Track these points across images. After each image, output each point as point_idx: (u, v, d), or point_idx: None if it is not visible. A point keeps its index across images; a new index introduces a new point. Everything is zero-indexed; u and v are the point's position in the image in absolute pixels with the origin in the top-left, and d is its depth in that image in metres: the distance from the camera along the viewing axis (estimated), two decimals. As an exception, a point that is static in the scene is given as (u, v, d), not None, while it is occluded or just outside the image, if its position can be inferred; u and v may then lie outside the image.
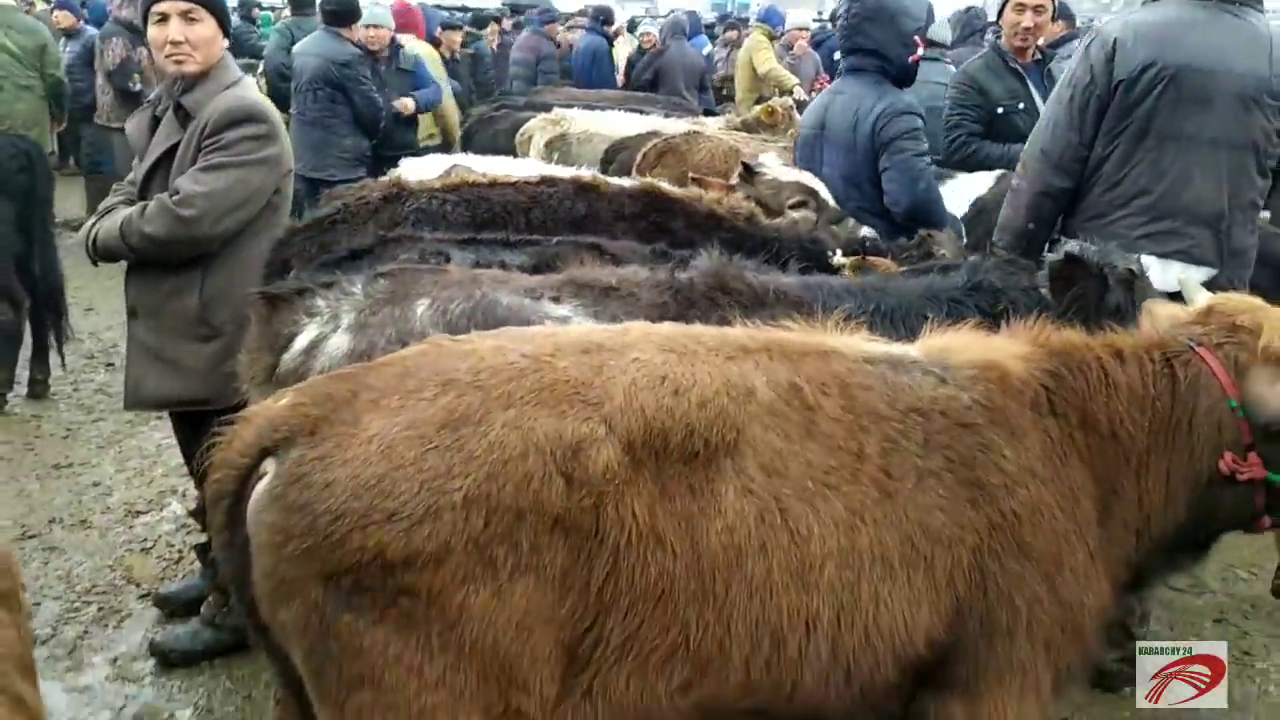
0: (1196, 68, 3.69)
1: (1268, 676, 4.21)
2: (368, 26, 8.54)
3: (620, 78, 13.57)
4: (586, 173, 4.53)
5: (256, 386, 3.09)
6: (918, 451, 2.27)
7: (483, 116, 9.65)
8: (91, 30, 10.98)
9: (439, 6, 15.24)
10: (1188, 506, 2.49)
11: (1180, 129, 3.70)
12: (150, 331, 4.05)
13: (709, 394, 2.14)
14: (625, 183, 4.35)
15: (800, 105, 8.07)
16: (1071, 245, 3.18)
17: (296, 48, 8.65)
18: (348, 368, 2.39)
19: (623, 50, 14.71)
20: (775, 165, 4.92)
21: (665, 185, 4.27)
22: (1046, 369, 2.46)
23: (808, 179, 4.78)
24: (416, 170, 5.11)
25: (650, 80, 12.23)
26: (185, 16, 3.87)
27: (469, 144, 9.04)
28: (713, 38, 15.74)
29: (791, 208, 4.60)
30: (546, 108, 8.68)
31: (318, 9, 9.19)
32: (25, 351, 6.92)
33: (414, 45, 9.63)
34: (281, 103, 5.81)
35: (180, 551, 4.95)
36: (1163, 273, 3.56)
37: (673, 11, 15.33)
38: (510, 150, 8.03)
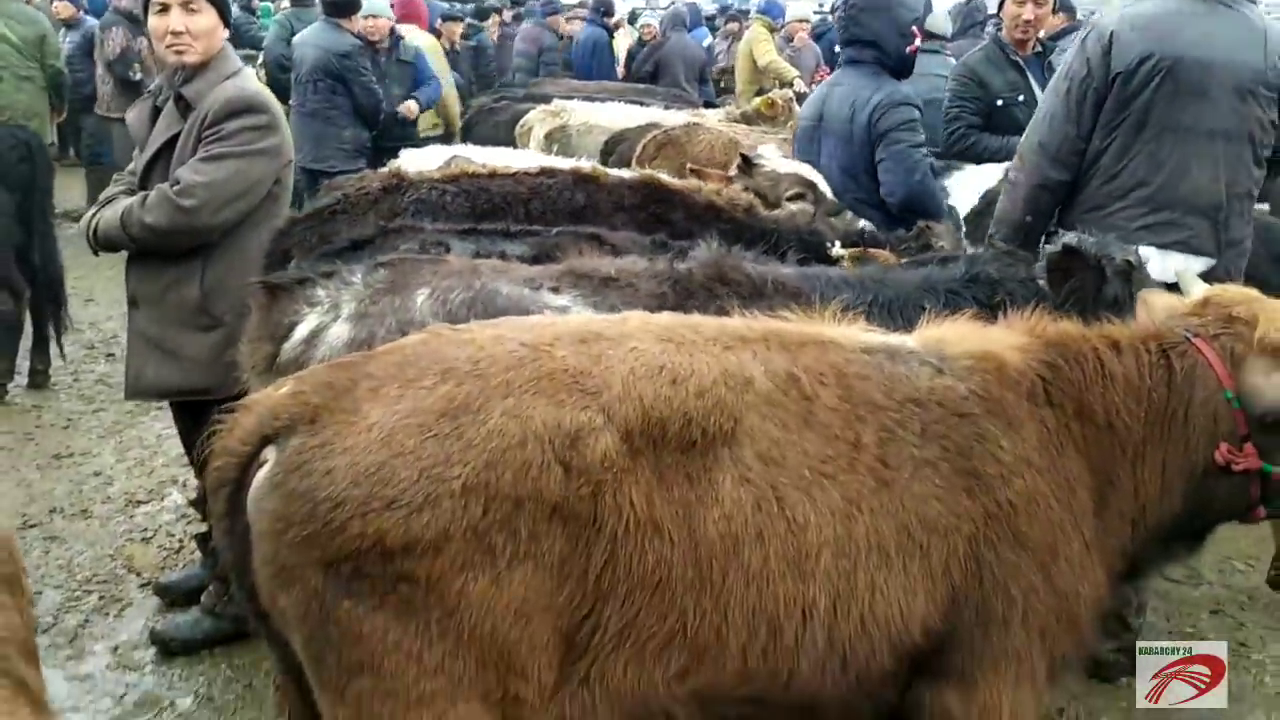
0: (1193, 60, 3.71)
1: (1264, 668, 4.23)
2: (366, 17, 8.54)
3: (620, 69, 13.56)
4: (586, 164, 4.55)
5: (257, 375, 3.10)
6: (914, 441, 2.28)
7: (483, 108, 9.67)
8: (91, 20, 10.98)
9: (441, -3, 15.21)
10: (1183, 497, 2.51)
11: (1178, 121, 3.71)
12: (151, 321, 4.06)
13: (707, 383, 2.15)
14: (624, 174, 4.37)
15: (800, 97, 8.08)
16: (1069, 237, 3.20)
17: (296, 39, 8.65)
18: (348, 356, 2.40)
19: (623, 42, 14.69)
20: (774, 157, 4.93)
21: (664, 177, 4.28)
22: (1043, 360, 2.47)
23: (806, 171, 4.79)
24: (416, 161, 5.12)
25: (650, 72, 12.24)
26: (185, 7, 3.87)
27: (469, 135, 9.05)
28: (713, 30, 15.72)
29: (789, 200, 4.61)
30: (546, 99, 8.69)
31: (317, 0, 9.19)
32: (25, 342, 6.93)
33: (416, 36, 9.63)
34: (281, 94, 5.81)
35: (181, 541, 4.97)
36: (1162, 263, 3.57)
37: (673, 3, 15.29)
38: (510, 142, 8.04)
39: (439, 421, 1.99)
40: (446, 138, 9.39)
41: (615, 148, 7.24)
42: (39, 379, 6.93)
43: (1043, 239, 3.80)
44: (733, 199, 4.08)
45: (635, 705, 2.15)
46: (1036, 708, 2.46)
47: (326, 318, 3.01)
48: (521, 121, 8.25)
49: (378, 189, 3.99)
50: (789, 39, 12.48)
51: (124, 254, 4.15)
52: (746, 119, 8.35)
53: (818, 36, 13.23)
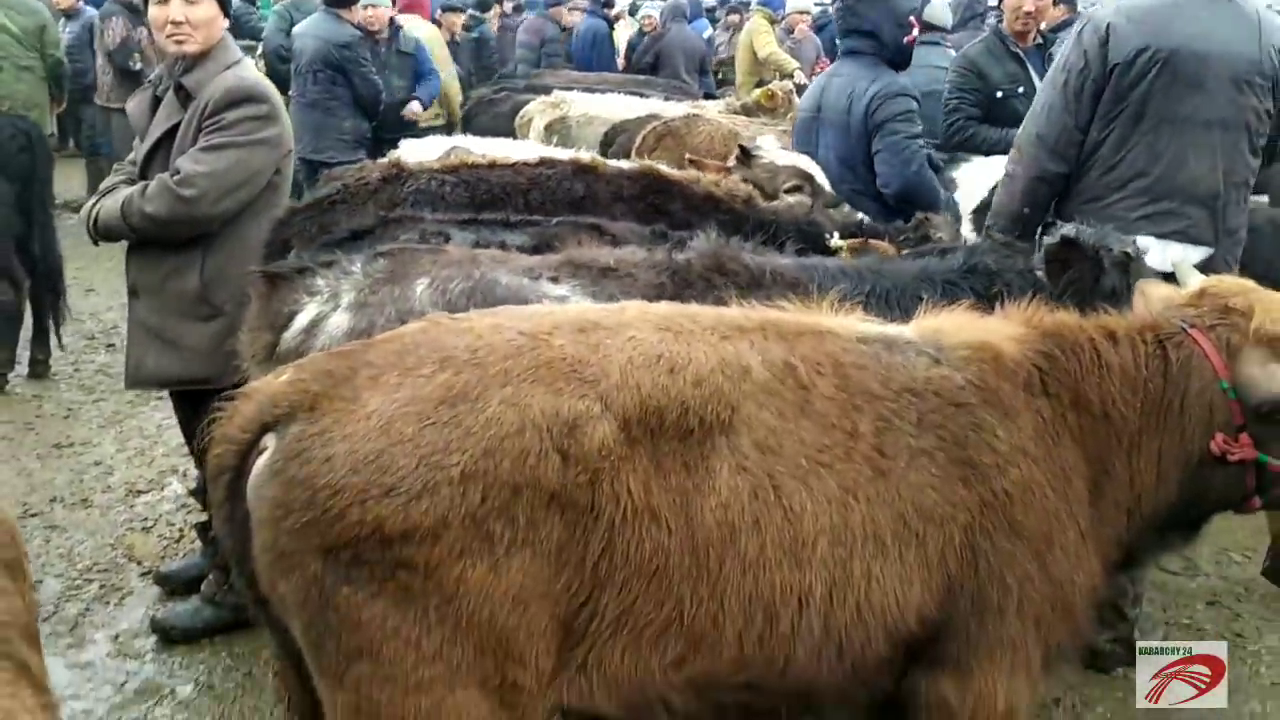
0: (1189, 51, 3.72)
1: (1260, 658, 4.25)
2: (366, 7, 8.53)
3: (621, 61, 13.54)
4: (585, 155, 4.55)
5: (257, 365, 3.11)
6: (911, 430, 2.30)
7: (483, 99, 9.66)
8: (91, 10, 10.96)
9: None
10: (1179, 487, 2.52)
11: (1175, 111, 3.73)
12: (151, 311, 4.07)
13: (704, 372, 2.16)
14: (623, 165, 4.38)
15: (800, 89, 8.06)
16: (1067, 228, 3.21)
17: (296, 29, 8.65)
18: (347, 345, 2.41)
19: (623, 33, 14.67)
20: (772, 149, 4.94)
21: (663, 167, 4.29)
22: (1040, 350, 2.49)
23: (804, 163, 4.80)
24: (415, 152, 5.12)
25: (651, 63, 12.22)
26: (186, -3, 3.88)
27: (469, 126, 9.06)
28: (714, 21, 15.69)
29: (787, 192, 4.62)
30: (546, 90, 8.68)
31: (317, -9, 9.18)
32: (25, 332, 6.94)
33: (418, 27, 9.62)
34: (280, 84, 5.82)
35: (181, 530, 4.98)
36: (1162, 253, 3.59)
37: (674, -6, 15.25)
38: (510, 133, 8.04)
39: (438, 409, 2.00)
40: (448, 129, 9.39)
41: (615, 139, 7.25)
42: (39, 369, 6.94)
43: (1040, 231, 3.81)
44: (731, 190, 4.09)
45: (632, 692, 2.16)
46: (1031, 696, 2.47)
47: (326, 307, 3.02)
48: (521, 113, 8.25)
49: (377, 179, 4.00)
50: (789, 31, 12.47)
51: (124, 244, 4.16)
52: (746, 110, 8.35)
53: (818, 29, 13.19)
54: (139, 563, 4.71)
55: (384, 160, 4.60)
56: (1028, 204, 3.96)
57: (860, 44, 4.88)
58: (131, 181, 4.05)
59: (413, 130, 8.44)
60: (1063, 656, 2.56)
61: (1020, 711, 2.45)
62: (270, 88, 4.12)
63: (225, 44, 4.07)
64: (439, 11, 11.60)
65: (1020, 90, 5.72)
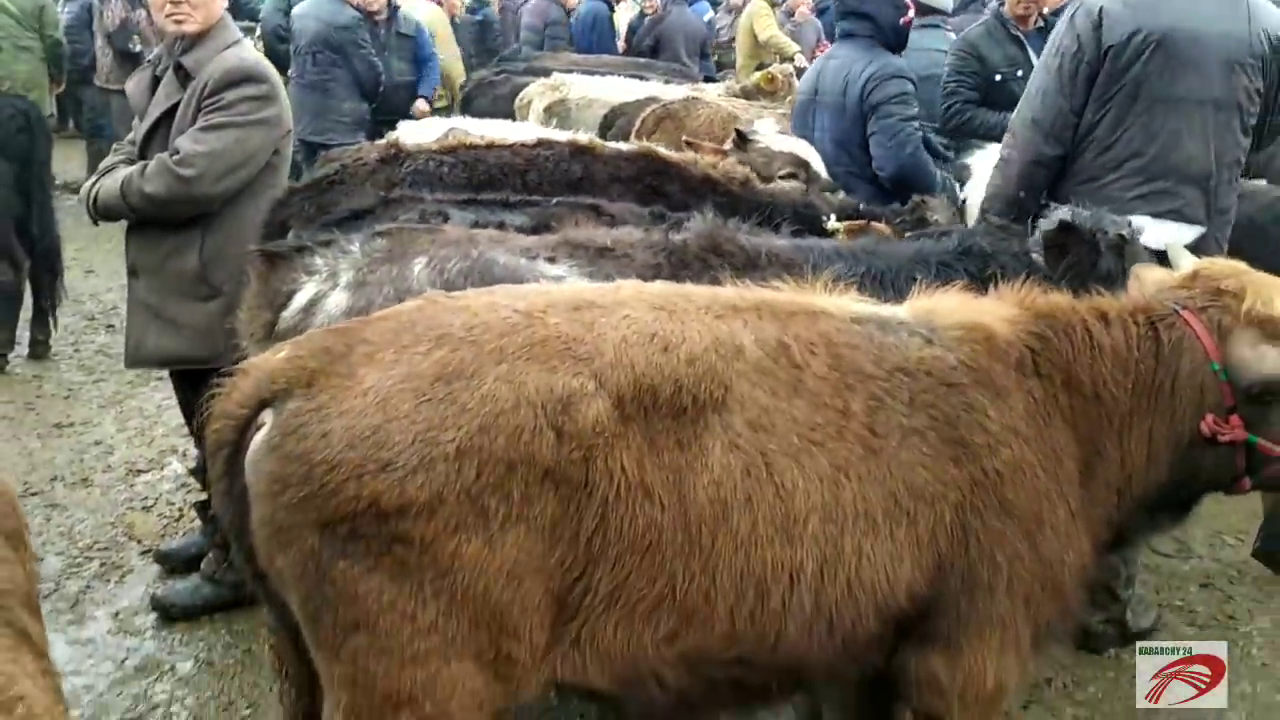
0: (1181, 31, 3.76)
1: (1251, 639, 4.28)
2: (364, -12, 8.52)
3: (621, 44, 13.49)
4: (583, 136, 4.56)
5: (256, 343, 3.13)
6: (903, 410, 2.32)
7: (482, 81, 9.64)
8: (90, -9, 10.92)
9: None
10: (1169, 467, 2.54)
11: (1170, 91, 3.76)
12: (150, 290, 4.09)
13: (698, 351, 2.18)
14: (621, 146, 4.39)
15: (800, 72, 8.04)
16: (1063, 211, 3.22)
17: (296, 10, 8.62)
18: (344, 322, 2.43)
19: (624, 16, 14.61)
20: (769, 134, 4.94)
21: (661, 149, 4.30)
22: (1032, 331, 2.50)
23: (801, 149, 4.80)
24: (414, 133, 5.13)
25: (651, 46, 12.17)
26: (184, -24, 3.88)
27: (468, 108, 9.04)
28: (715, 4, 15.62)
29: (782, 179, 4.62)
30: (546, 73, 8.67)
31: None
32: (26, 313, 6.96)
33: (421, 8, 9.60)
34: (279, 64, 5.82)
35: (180, 509, 5.01)
36: (1157, 233, 3.61)
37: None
38: (510, 115, 8.03)
39: (434, 386, 2.02)
40: (449, 111, 9.39)
41: (614, 121, 7.24)
42: (39, 349, 6.97)
43: (1035, 214, 3.82)
44: (729, 172, 4.10)
45: (625, 666, 2.19)
46: (1021, 674, 2.50)
47: (325, 286, 3.04)
48: (521, 95, 8.24)
49: (375, 160, 4.01)
50: (790, 14, 12.44)
51: (124, 225, 4.18)
52: (746, 94, 8.33)
53: (819, 12, 13.15)
54: (139, 541, 4.75)
55: (382, 141, 4.60)
56: (1023, 187, 3.97)
57: (857, 26, 4.89)
58: (131, 161, 4.07)
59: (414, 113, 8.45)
60: (1052, 635, 2.59)
61: (1009, 689, 2.49)
62: (269, 68, 4.14)
63: (224, 24, 4.08)
64: (442, -7, 11.57)
65: (1019, 74, 5.71)
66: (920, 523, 2.28)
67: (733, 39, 12.46)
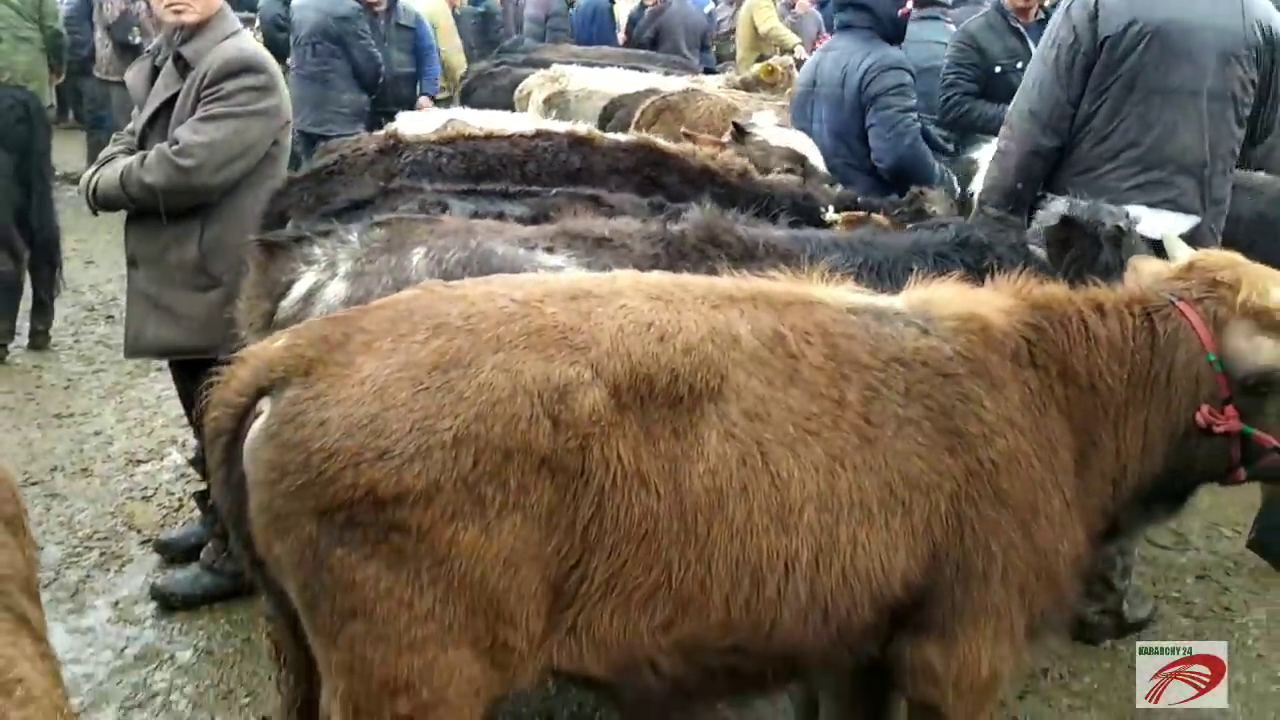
0: (1176, 23, 3.79)
1: (1247, 630, 4.30)
2: (364, -21, 8.51)
3: (621, 35, 13.48)
4: (581, 127, 4.55)
5: (255, 333, 3.13)
6: (898, 400, 2.32)
7: (482, 73, 9.64)
8: (89, -18, 10.91)
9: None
10: (1164, 458, 2.55)
11: (1166, 82, 3.79)
12: (150, 280, 4.10)
13: (694, 340, 2.19)
14: (620, 137, 4.39)
15: (800, 64, 8.04)
16: (1060, 203, 3.23)
17: (295, 1, 8.62)
18: (342, 311, 2.44)
19: (624, 8, 14.59)
20: (768, 127, 4.94)
21: (660, 141, 4.30)
22: (1028, 322, 2.51)
23: (799, 142, 4.80)
24: (413, 124, 5.13)
25: (651, 38, 12.16)
26: (183, -33, 3.88)
27: (467, 100, 9.03)
28: (716, -4, 15.59)
29: (779, 174, 4.62)
30: (546, 64, 8.66)
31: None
32: (26, 303, 6.97)
33: (427, 1, 9.59)
34: (278, 54, 5.84)
35: (180, 499, 5.03)
36: (1152, 222, 3.62)
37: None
38: (509, 107, 8.03)
39: (430, 375, 2.03)
40: (451, 103, 9.39)
41: (614, 113, 7.24)
42: (39, 340, 6.98)
43: (1033, 205, 3.83)
44: (727, 163, 4.10)
45: (621, 654, 2.20)
46: (1015, 663, 2.52)
47: (323, 276, 3.05)
48: (520, 86, 8.24)
49: (374, 150, 4.02)
50: (790, 5, 12.41)
51: (124, 216, 4.18)
52: (746, 85, 8.32)
53: (820, 4, 13.14)
54: (139, 531, 4.77)
55: (381, 132, 4.61)
56: (1021, 179, 3.99)
57: (855, 18, 4.89)
58: (130, 151, 4.08)
59: (412, 105, 8.45)
60: (1047, 625, 2.60)
61: (1003, 677, 2.50)
62: (268, 58, 4.14)
63: (223, 14, 4.09)
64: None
65: (1019, 66, 5.70)
66: (915, 512, 2.29)
67: (733, 31, 12.44)
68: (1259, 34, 3.84)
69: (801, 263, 2.76)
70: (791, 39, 10.95)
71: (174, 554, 4.49)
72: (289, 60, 8.22)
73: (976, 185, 5.03)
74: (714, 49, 13.00)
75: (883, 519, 2.27)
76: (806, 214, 3.79)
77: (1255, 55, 3.84)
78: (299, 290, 3.06)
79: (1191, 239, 3.26)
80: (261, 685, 3.70)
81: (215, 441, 2.18)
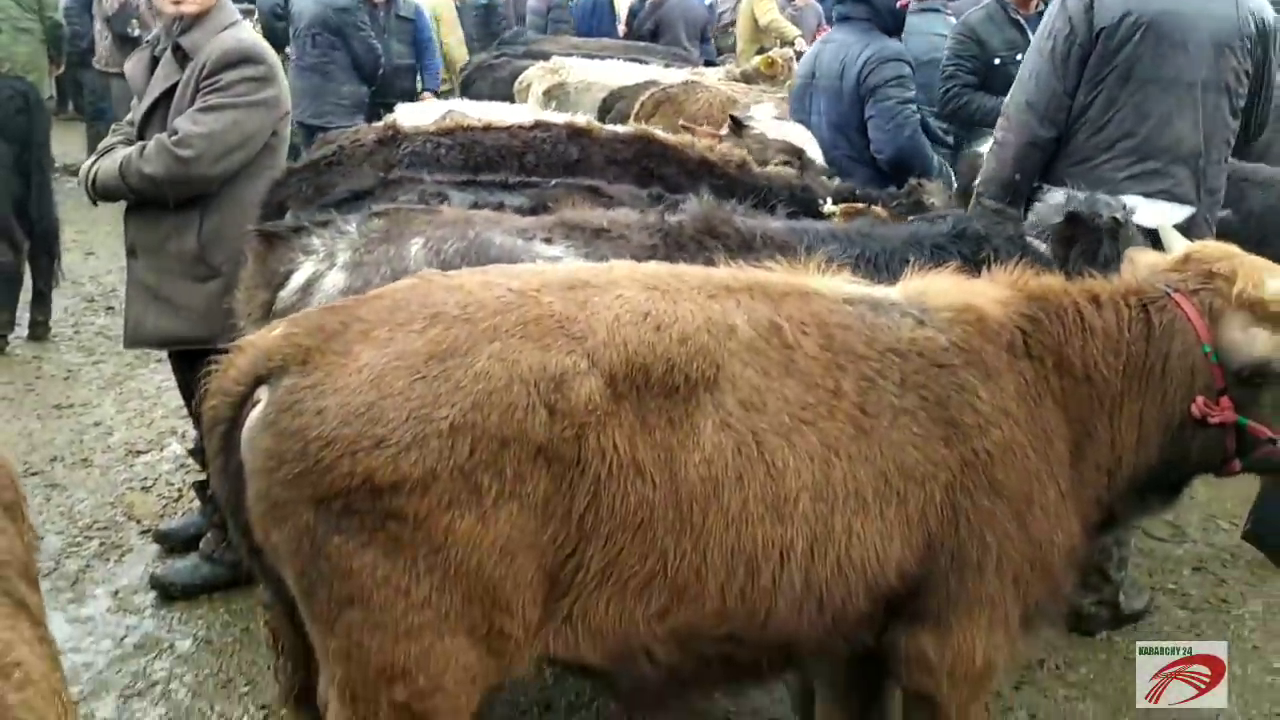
0: (1171, 13, 3.81)
1: (1243, 622, 4.31)
2: (363, -30, 8.50)
3: (621, 27, 13.45)
4: (580, 118, 4.56)
5: (253, 323, 3.14)
6: (894, 390, 2.33)
7: (481, 64, 9.63)
8: (88, -26, 10.91)
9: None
10: (1160, 449, 2.56)
11: (1161, 72, 3.81)
12: (149, 271, 4.10)
13: (690, 330, 2.20)
14: (618, 129, 4.39)
15: (801, 57, 8.03)
16: (1057, 194, 3.24)
17: (295, -8, 8.61)
18: (340, 301, 2.45)
19: (624, 0, 14.56)
20: (765, 120, 4.93)
21: (658, 132, 4.30)
22: (1024, 313, 2.52)
23: (797, 136, 4.80)
24: (412, 115, 5.13)
25: (651, 30, 12.13)
26: (182, -42, 3.89)
27: (467, 91, 9.04)
28: (717, -12, 15.54)
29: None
30: (545, 56, 8.65)
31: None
32: (25, 294, 6.98)
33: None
34: (276, 44, 5.84)
35: (180, 490, 5.04)
36: (1149, 212, 3.63)
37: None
38: (509, 98, 8.02)
39: (427, 364, 2.04)
40: (453, 95, 9.39)
41: (613, 105, 7.24)
42: (39, 331, 6.99)
43: (1029, 196, 3.85)
44: (725, 155, 4.11)
45: (617, 642, 2.21)
46: (1010, 652, 2.53)
47: (322, 266, 3.05)
48: (520, 78, 8.23)
49: (373, 141, 4.02)
50: (790, -2, 12.37)
51: (124, 208, 4.19)
52: (746, 78, 8.31)
53: (821, -3, 13.11)
54: (138, 521, 4.78)
55: (380, 123, 4.61)
56: (1019, 170, 4.00)
57: (854, 9, 4.89)
58: (129, 142, 4.08)
59: (411, 97, 8.44)
60: (1042, 615, 2.62)
61: (998, 667, 2.51)
62: (267, 49, 4.14)
63: (222, 5, 4.09)
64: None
65: (1018, 58, 5.66)
66: (910, 502, 2.31)
67: (733, 23, 12.41)
68: (1252, 25, 3.87)
69: (799, 254, 2.77)
70: (792, 31, 10.92)
71: (173, 544, 4.50)
72: (287, 50, 8.21)
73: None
74: (714, 41, 12.97)
75: (878, 509, 2.28)
76: (804, 206, 3.80)
77: (1249, 46, 3.85)
78: (297, 280, 3.07)
79: (1187, 229, 3.28)
80: (260, 674, 3.71)
81: (213, 430, 2.19)
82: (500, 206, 3.40)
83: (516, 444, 2.03)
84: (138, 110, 4.15)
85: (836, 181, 4.48)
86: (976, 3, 6.89)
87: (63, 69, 8.57)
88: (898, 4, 4.86)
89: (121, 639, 3.96)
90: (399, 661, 2.07)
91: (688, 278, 2.37)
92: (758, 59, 8.72)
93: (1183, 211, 3.65)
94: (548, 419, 2.05)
